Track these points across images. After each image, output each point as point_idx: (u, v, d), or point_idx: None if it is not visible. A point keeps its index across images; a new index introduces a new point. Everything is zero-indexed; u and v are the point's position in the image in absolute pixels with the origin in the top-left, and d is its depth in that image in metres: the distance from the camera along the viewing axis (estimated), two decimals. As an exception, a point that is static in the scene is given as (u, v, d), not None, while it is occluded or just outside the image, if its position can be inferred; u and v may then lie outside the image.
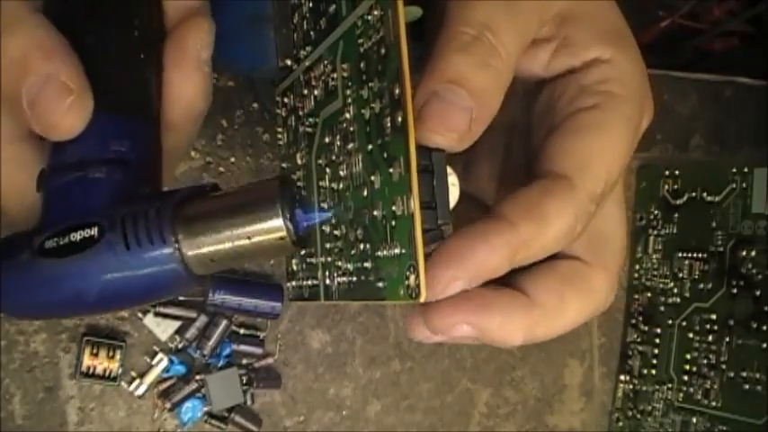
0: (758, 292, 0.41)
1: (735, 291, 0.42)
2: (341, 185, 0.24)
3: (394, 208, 0.20)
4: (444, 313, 0.22)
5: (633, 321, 0.48)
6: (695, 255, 0.45)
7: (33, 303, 0.21)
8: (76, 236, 0.20)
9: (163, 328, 0.39)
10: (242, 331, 0.40)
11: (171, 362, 0.39)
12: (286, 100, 0.29)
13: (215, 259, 0.21)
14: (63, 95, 0.20)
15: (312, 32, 0.26)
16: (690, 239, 0.45)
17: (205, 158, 0.39)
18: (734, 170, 0.43)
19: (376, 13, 0.21)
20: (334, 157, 0.24)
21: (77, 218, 0.21)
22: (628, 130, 0.23)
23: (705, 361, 0.43)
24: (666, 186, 0.47)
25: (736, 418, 0.42)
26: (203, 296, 0.38)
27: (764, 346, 0.40)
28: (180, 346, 0.39)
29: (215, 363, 0.40)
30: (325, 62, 0.24)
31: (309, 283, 0.27)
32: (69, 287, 0.21)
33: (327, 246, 0.25)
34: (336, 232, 0.24)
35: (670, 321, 0.46)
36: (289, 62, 0.28)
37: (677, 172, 0.46)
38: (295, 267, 0.28)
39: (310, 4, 0.26)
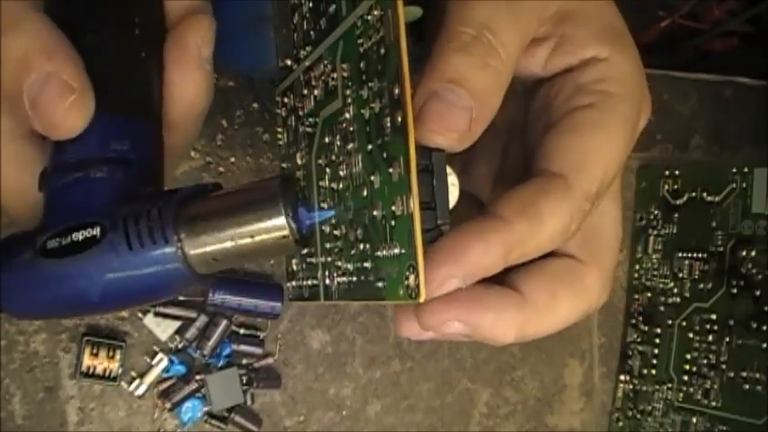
0: (758, 292, 0.41)
1: (735, 291, 0.42)
2: (341, 185, 0.24)
3: (393, 208, 0.20)
4: (436, 310, 0.22)
5: (633, 321, 0.48)
6: (695, 255, 0.45)
7: (35, 303, 0.21)
8: (78, 236, 0.20)
9: (163, 328, 0.39)
10: (242, 331, 0.40)
11: (171, 362, 0.39)
12: (286, 100, 0.29)
13: (218, 258, 0.21)
14: (65, 94, 0.20)
15: (312, 32, 0.26)
16: (690, 239, 0.45)
17: (205, 158, 0.39)
18: (734, 170, 0.43)
19: (376, 13, 0.21)
20: (333, 157, 0.24)
21: (79, 217, 0.21)
22: (625, 130, 0.23)
23: (705, 361, 0.43)
24: (666, 186, 0.47)
25: (736, 418, 0.42)
26: (203, 296, 0.38)
27: (764, 346, 0.40)
28: (180, 346, 0.39)
29: (215, 363, 0.40)
30: (325, 62, 0.24)
31: (309, 283, 0.27)
32: (72, 287, 0.21)
33: (327, 246, 0.25)
34: (336, 232, 0.24)
35: (670, 321, 0.46)
36: (289, 62, 0.28)
37: (677, 172, 0.46)
38: (295, 267, 0.28)
39: (310, 4, 0.26)
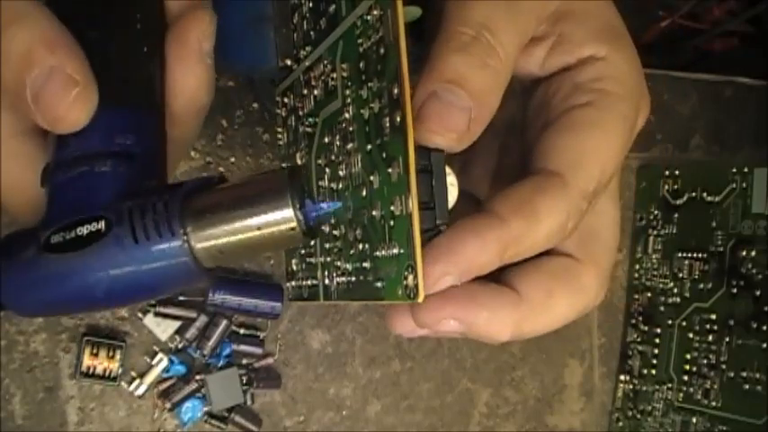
0: (758, 292, 0.41)
1: (735, 291, 0.42)
2: (340, 185, 0.24)
3: (392, 208, 0.20)
4: (432, 308, 0.22)
5: (633, 321, 0.48)
6: (695, 255, 0.45)
7: (40, 300, 0.21)
8: (83, 230, 0.20)
9: (163, 328, 0.39)
10: (242, 331, 0.40)
11: (171, 362, 0.39)
12: (286, 100, 0.29)
13: (224, 251, 0.20)
14: (68, 87, 0.20)
15: (312, 32, 0.26)
16: (690, 239, 0.45)
17: (205, 158, 0.39)
18: (734, 170, 0.43)
19: (375, 13, 0.21)
20: (333, 157, 0.24)
21: (83, 212, 0.20)
22: (623, 128, 0.23)
23: (705, 361, 0.43)
24: (666, 186, 0.47)
25: (736, 418, 0.42)
26: (203, 296, 0.38)
27: (764, 346, 0.40)
28: (180, 346, 0.39)
29: (215, 363, 0.40)
30: (325, 62, 0.24)
31: (309, 283, 0.27)
32: (77, 282, 0.20)
33: (326, 246, 0.25)
34: (335, 232, 0.24)
35: (670, 321, 0.46)
36: (289, 62, 0.28)
37: (677, 172, 0.46)
38: (294, 267, 0.28)
39: (310, 4, 0.26)
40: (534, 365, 0.47)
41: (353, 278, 0.23)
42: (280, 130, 0.29)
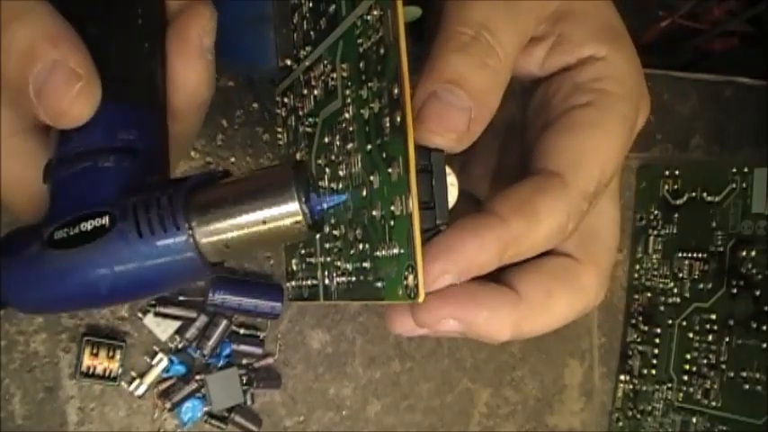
0: (758, 292, 0.41)
1: (735, 291, 0.42)
2: (340, 185, 0.24)
3: (393, 208, 0.20)
4: (431, 307, 0.22)
5: (633, 321, 0.48)
6: (695, 255, 0.45)
7: (43, 297, 0.21)
8: (87, 225, 0.20)
9: (163, 328, 0.39)
10: (242, 331, 0.40)
11: (171, 362, 0.39)
12: (286, 100, 0.29)
13: (230, 246, 0.20)
14: (71, 81, 0.20)
15: (312, 32, 0.26)
16: (690, 239, 0.45)
17: (205, 158, 0.39)
18: (734, 170, 0.43)
19: (375, 13, 0.21)
20: (333, 157, 0.24)
21: (86, 208, 0.20)
22: (623, 128, 0.23)
23: (705, 361, 0.43)
24: (666, 186, 0.47)
25: (736, 418, 0.42)
26: (203, 296, 0.38)
27: (764, 346, 0.40)
28: (180, 346, 0.39)
29: (215, 363, 0.40)
30: (325, 62, 0.24)
31: (309, 283, 0.27)
32: (81, 278, 0.20)
33: (327, 246, 0.25)
34: (335, 232, 0.24)
35: (670, 321, 0.46)
36: (289, 62, 0.28)
37: (677, 172, 0.46)
38: (294, 267, 0.28)
39: (310, 4, 0.26)
40: (534, 365, 0.47)
41: (354, 278, 0.23)
42: (280, 130, 0.29)
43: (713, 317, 0.43)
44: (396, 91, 0.20)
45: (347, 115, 0.23)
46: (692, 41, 0.55)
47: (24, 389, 0.37)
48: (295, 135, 0.28)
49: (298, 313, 0.41)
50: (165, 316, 0.38)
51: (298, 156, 0.27)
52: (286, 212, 0.20)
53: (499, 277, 0.23)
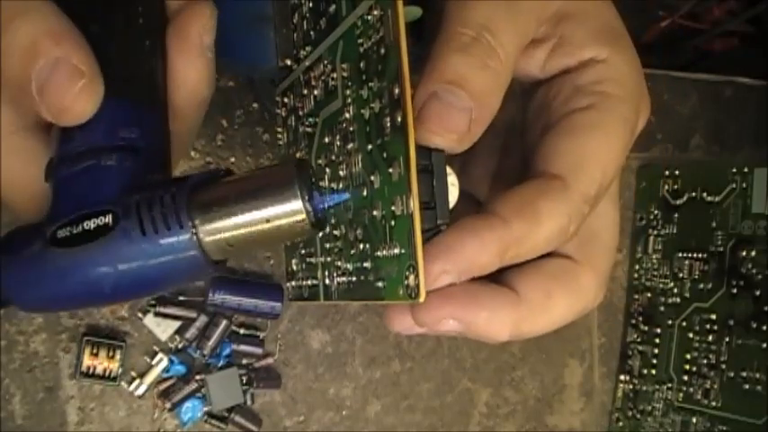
0: (758, 292, 0.41)
1: (735, 291, 0.42)
2: (340, 185, 0.24)
3: (393, 208, 0.20)
4: (431, 307, 0.22)
5: (633, 321, 0.48)
6: (695, 255, 0.45)
7: (46, 295, 0.21)
8: (90, 224, 0.20)
9: (163, 328, 0.39)
10: (242, 331, 0.40)
11: (171, 362, 0.39)
12: (286, 100, 0.29)
13: (233, 244, 0.20)
14: (74, 78, 0.20)
15: (312, 32, 0.26)
16: (690, 239, 0.45)
17: (205, 158, 0.39)
18: (734, 170, 0.43)
19: (376, 13, 0.21)
20: (333, 157, 0.24)
21: (89, 206, 0.20)
22: (623, 131, 0.23)
23: (705, 361, 0.43)
24: (666, 186, 0.47)
25: (737, 418, 0.42)
26: (203, 296, 0.38)
27: (764, 346, 0.40)
28: (180, 346, 0.39)
29: (215, 363, 0.40)
30: (325, 62, 0.24)
31: (309, 283, 0.27)
32: (84, 276, 0.20)
33: (327, 245, 0.25)
34: (336, 232, 0.24)
35: (670, 321, 0.46)
36: (289, 62, 0.28)
37: (677, 172, 0.46)
38: (295, 267, 0.28)
39: (310, 4, 0.26)
40: (534, 365, 0.47)
41: (354, 278, 0.23)
42: (280, 130, 0.29)
43: (713, 317, 0.43)
44: (396, 91, 0.20)
45: (347, 115, 0.23)
46: (692, 41, 0.55)
47: (24, 389, 0.37)
48: (295, 135, 0.28)
49: (298, 313, 0.41)
50: (165, 316, 0.38)
51: (298, 156, 0.27)
52: (290, 211, 0.20)
53: (499, 278, 0.23)
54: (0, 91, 0.21)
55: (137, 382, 0.38)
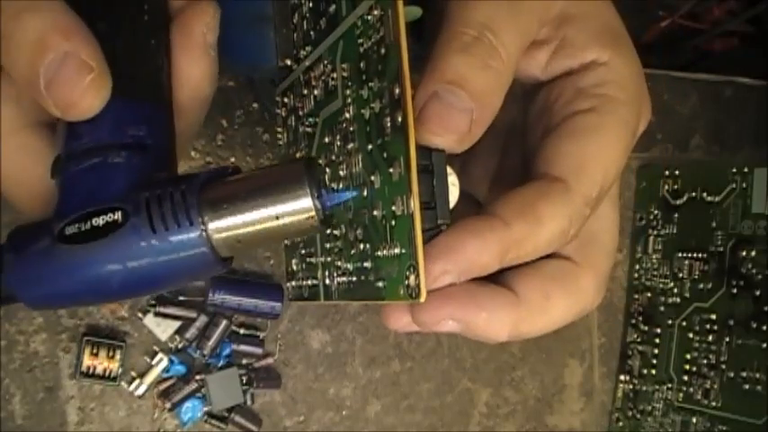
0: (758, 292, 0.41)
1: (735, 291, 0.42)
2: (341, 185, 0.24)
3: (394, 208, 0.20)
4: (431, 307, 0.22)
5: (633, 321, 0.48)
6: (695, 255, 0.45)
7: (53, 292, 0.21)
8: (99, 221, 0.20)
9: (163, 328, 0.39)
10: (242, 331, 0.40)
11: (171, 362, 0.39)
12: (286, 100, 0.29)
13: (242, 241, 0.20)
14: (83, 73, 0.20)
15: (312, 32, 0.26)
16: (690, 239, 0.45)
17: (205, 158, 0.39)
18: (734, 170, 0.43)
19: (376, 13, 0.21)
20: (333, 157, 0.24)
21: (97, 203, 0.20)
22: (625, 134, 0.23)
23: (705, 361, 0.43)
24: (666, 186, 0.47)
25: (737, 418, 0.42)
26: (203, 296, 0.38)
27: (764, 346, 0.40)
28: (180, 346, 0.39)
29: (215, 363, 0.40)
30: (325, 62, 0.24)
31: (309, 282, 0.27)
32: (92, 273, 0.20)
33: (327, 245, 0.25)
34: (336, 232, 0.24)
35: (670, 321, 0.46)
36: (289, 62, 0.28)
37: (677, 172, 0.46)
38: (295, 267, 0.28)
39: (310, 4, 0.26)
40: (534, 365, 0.47)
41: (354, 278, 0.23)
42: (280, 130, 0.29)
43: (713, 317, 0.43)
44: (397, 91, 0.20)
45: (348, 115, 0.23)
46: (692, 41, 0.55)
47: (24, 389, 0.37)
48: (295, 135, 0.28)
49: (298, 313, 0.41)
50: (165, 316, 0.38)
51: (298, 156, 0.27)
52: (300, 208, 0.20)
53: (498, 279, 0.23)
54: (5, 88, 0.21)
55: (137, 382, 0.38)
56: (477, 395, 0.46)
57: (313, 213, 0.20)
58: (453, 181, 0.22)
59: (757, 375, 0.40)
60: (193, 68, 0.23)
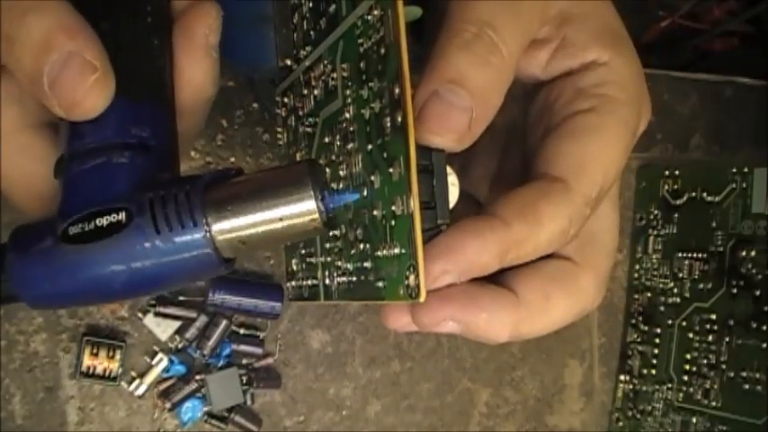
0: (758, 292, 0.41)
1: (735, 291, 0.42)
2: (341, 185, 0.24)
3: (393, 208, 0.20)
4: (431, 308, 0.22)
5: (633, 321, 0.48)
6: (695, 255, 0.45)
7: (56, 292, 0.21)
8: (103, 221, 0.20)
9: (163, 328, 0.39)
10: (242, 331, 0.40)
11: (171, 362, 0.39)
12: (286, 100, 0.29)
13: (246, 242, 0.20)
14: (87, 72, 0.20)
15: (312, 32, 0.26)
16: (690, 239, 0.45)
17: (205, 158, 0.39)
18: (734, 170, 0.43)
19: (376, 13, 0.21)
20: (333, 157, 0.24)
21: (100, 203, 0.20)
22: (625, 134, 0.23)
23: (705, 361, 0.43)
24: (666, 186, 0.47)
25: (737, 418, 0.42)
26: (203, 296, 0.38)
27: (764, 346, 0.40)
28: (180, 346, 0.39)
29: (215, 363, 0.40)
30: (325, 62, 0.24)
31: (309, 282, 0.27)
32: (95, 273, 0.20)
33: (327, 245, 0.25)
34: (336, 232, 0.24)
35: (670, 321, 0.46)
36: (289, 62, 0.28)
37: (677, 172, 0.46)
38: (295, 267, 0.28)
39: (310, 4, 0.26)
40: (534, 365, 0.47)
41: (354, 278, 0.23)
42: (280, 130, 0.29)
43: (713, 317, 0.43)
44: (396, 91, 0.20)
45: (347, 115, 0.23)
46: (692, 41, 0.55)
47: (24, 389, 0.37)
48: (295, 135, 0.28)
49: (298, 313, 0.41)
50: (165, 316, 0.38)
51: (298, 156, 0.27)
52: (304, 210, 0.20)
53: (498, 279, 0.23)
54: (7, 87, 0.21)
55: (137, 382, 0.38)
56: (477, 395, 0.46)
57: (317, 216, 0.20)
58: (453, 181, 0.22)
59: (757, 375, 0.40)
60: (196, 70, 0.23)
